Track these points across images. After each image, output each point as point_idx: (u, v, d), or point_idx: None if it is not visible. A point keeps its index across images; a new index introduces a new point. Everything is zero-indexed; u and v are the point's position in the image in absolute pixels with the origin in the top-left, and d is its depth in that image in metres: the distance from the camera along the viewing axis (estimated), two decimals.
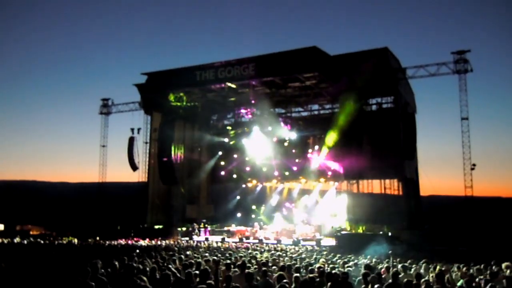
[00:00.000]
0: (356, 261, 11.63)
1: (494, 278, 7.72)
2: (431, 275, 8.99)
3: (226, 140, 32.29)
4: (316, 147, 29.77)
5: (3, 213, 40.77)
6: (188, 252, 13.21)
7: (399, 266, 9.33)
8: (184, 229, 29.92)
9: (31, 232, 31.46)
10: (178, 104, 31.42)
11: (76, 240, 24.24)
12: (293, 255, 13.74)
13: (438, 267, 10.06)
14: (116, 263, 7.49)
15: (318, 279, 7.14)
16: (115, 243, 22.42)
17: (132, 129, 32.28)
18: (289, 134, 30.16)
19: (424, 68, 26.09)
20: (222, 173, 33.26)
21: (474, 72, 25.65)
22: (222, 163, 33.31)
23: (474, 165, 25.88)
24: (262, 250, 17.37)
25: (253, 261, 10.11)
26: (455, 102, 26.00)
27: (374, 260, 12.60)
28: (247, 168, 32.51)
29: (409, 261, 11.00)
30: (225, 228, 30.54)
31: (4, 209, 44.64)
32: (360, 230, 24.87)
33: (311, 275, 7.22)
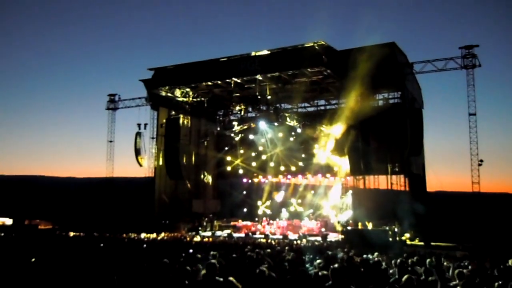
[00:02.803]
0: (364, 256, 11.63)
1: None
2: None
3: (232, 135, 32.34)
4: (323, 142, 29.74)
5: (12, 208, 41.10)
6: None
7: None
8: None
9: (39, 227, 31.64)
10: (185, 99, 31.49)
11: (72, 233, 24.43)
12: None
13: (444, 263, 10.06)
14: None
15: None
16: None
17: (139, 125, 32.40)
18: (295, 129, 30.15)
19: (431, 63, 25.94)
20: (228, 168, 33.35)
21: (482, 67, 25.46)
22: (228, 158, 33.40)
23: (481, 161, 25.75)
24: None
25: None
26: (463, 98, 25.85)
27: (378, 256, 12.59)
28: (253, 163, 32.59)
29: (416, 258, 10.97)
30: (231, 223, 30.69)
31: (13, 204, 45.02)
32: (366, 226, 24.86)
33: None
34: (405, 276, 6.59)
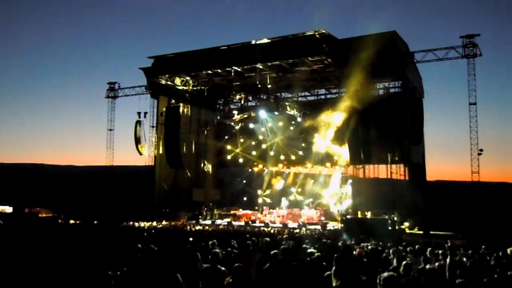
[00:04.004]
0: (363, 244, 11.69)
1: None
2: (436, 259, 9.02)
3: (232, 124, 32.31)
4: (323, 131, 29.73)
5: (12, 196, 41.16)
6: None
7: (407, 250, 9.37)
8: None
9: (40, 215, 31.73)
10: (185, 88, 31.40)
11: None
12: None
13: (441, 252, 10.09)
14: None
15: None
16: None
17: (139, 113, 32.33)
18: (296, 118, 30.10)
19: (432, 52, 25.84)
20: (228, 157, 33.37)
21: (483, 57, 25.39)
22: (228, 147, 33.42)
23: (481, 150, 25.77)
24: None
25: None
26: (463, 87, 25.84)
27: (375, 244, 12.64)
28: (253, 152, 32.61)
29: (417, 246, 11.02)
30: (231, 212, 30.79)
31: (13, 192, 45.06)
32: (366, 215, 24.97)
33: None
34: (403, 263, 6.61)
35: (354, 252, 9.22)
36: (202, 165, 34.89)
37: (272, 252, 7.19)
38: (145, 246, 7.83)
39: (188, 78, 30.77)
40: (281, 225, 25.92)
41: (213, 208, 31.29)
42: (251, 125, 31.33)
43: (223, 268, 6.38)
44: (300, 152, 31.44)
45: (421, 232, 22.53)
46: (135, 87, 34.69)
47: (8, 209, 33.77)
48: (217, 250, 6.91)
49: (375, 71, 23.68)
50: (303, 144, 31.23)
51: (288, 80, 28.74)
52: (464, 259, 9.03)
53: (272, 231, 21.35)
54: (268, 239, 12.25)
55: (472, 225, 21.65)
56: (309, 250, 8.59)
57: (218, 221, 28.78)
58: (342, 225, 24.23)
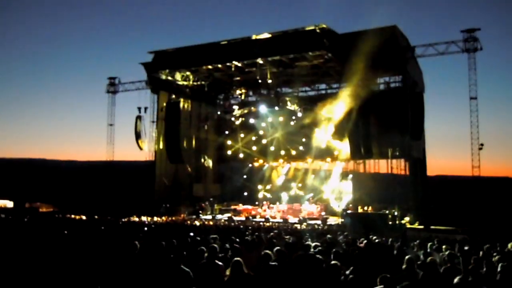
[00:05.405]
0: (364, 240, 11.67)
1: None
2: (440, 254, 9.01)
3: (232, 119, 32.27)
4: (323, 126, 29.69)
5: (13, 191, 41.22)
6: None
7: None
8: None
9: (40, 210, 31.81)
10: (185, 83, 31.33)
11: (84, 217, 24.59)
12: None
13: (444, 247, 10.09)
14: None
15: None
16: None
17: (139, 108, 32.26)
18: (296, 113, 30.05)
19: (433, 47, 25.80)
20: (229, 152, 33.37)
21: (483, 51, 25.37)
22: (229, 142, 33.40)
23: (482, 145, 25.76)
24: None
25: None
26: (464, 81, 25.86)
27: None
28: (254, 147, 32.59)
29: (418, 241, 11.02)
30: (232, 207, 30.83)
31: (14, 187, 45.13)
32: (366, 210, 24.98)
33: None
34: (406, 257, 6.62)
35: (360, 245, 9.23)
36: (202, 160, 34.90)
37: (275, 248, 7.20)
38: (147, 241, 7.82)
39: (188, 73, 30.70)
40: (281, 220, 25.96)
41: (214, 203, 31.34)
42: (251, 120, 31.30)
43: (220, 263, 6.38)
44: (301, 147, 31.41)
45: (422, 227, 22.55)
46: (135, 82, 34.69)
47: (9, 204, 33.85)
48: (215, 245, 6.91)
49: (375, 66, 23.61)
50: (303, 139, 31.18)
51: (288, 75, 28.68)
52: (460, 254, 9.02)
53: (272, 226, 21.37)
54: (272, 233, 12.26)
55: (473, 220, 21.66)
56: (308, 243, 8.60)
57: (219, 216, 28.82)
58: (343, 220, 24.26)
